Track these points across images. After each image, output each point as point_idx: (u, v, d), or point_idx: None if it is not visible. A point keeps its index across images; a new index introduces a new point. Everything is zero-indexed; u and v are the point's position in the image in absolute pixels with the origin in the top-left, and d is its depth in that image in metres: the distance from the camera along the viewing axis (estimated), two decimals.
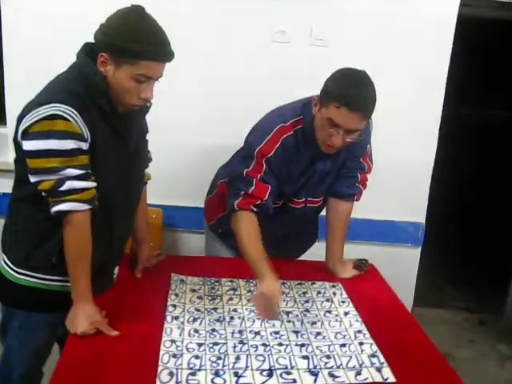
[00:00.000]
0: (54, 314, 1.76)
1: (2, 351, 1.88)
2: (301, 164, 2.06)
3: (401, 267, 3.14)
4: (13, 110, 2.68)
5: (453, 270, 4.63)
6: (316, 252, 2.40)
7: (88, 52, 1.65)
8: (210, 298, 1.95)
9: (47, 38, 2.72)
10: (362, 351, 1.68)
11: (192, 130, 2.92)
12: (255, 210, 1.98)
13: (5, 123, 2.87)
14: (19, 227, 1.75)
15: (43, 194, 1.60)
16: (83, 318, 1.64)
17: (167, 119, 2.78)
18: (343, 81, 1.85)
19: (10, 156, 2.15)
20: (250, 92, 2.81)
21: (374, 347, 1.70)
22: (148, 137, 1.96)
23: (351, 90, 1.80)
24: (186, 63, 2.72)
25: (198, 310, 1.85)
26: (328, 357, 1.64)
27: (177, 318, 1.78)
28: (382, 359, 1.64)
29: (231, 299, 1.95)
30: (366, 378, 1.55)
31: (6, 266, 1.76)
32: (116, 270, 1.97)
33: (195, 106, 2.88)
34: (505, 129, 5.54)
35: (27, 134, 1.56)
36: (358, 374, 1.57)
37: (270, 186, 2.00)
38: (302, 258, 2.50)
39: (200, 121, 2.90)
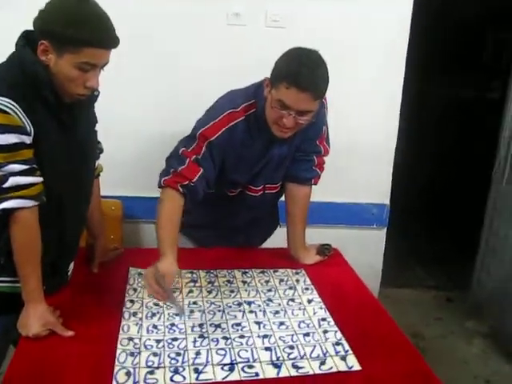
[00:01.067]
0: (6, 316, 1.68)
1: None
2: (255, 150, 1.99)
3: (367, 249, 3.14)
4: None
5: (420, 248, 4.64)
6: (280, 238, 2.35)
7: (28, 40, 1.56)
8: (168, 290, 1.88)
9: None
10: (327, 340, 1.64)
11: (146, 117, 2.84)
12: (181, 190, 1.88)
13: None
14: None
15: None
16: (35, 319, 1.57)
17: (119, 107, 2.70)
18: (293, 60, 1.78)
19: None
20: (204, 77, 2.74)
21: (339, 335, 1.67)
22: (100, 126, 1.88)
23: (301, 69, 1.73)
24: (135, 49, 2.65)
25: (156, 304, 1.79)
26: (291, 347, 1.59)
27: (135, 314, 1.72)
28: (347, 347, 1.61)
29: (191, 291, 1.89)
30: (331, 368, 1.51)
31: None
32: (71, 266, 1.90)
33: (148, 92, 2.80)
34: (472, 107, 5.55)
35: None
36: (323, 363, 1.53)
37: (201, 169, 1.90)
38: (265, 245, 2.45)
39: (154, 107, 2.82)
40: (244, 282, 1.98)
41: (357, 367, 1.52)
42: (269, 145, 1.99)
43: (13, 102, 1.47)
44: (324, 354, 1.57)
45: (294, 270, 2.09)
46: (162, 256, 1.80)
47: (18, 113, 1.48)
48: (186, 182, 1.89)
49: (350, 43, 2.83)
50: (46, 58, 1.52)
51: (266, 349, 1.58)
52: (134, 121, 2.83)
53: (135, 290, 1.87)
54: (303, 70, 1.73)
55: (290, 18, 2.76)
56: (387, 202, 3.17)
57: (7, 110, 1.46)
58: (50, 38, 1.49)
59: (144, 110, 2.82)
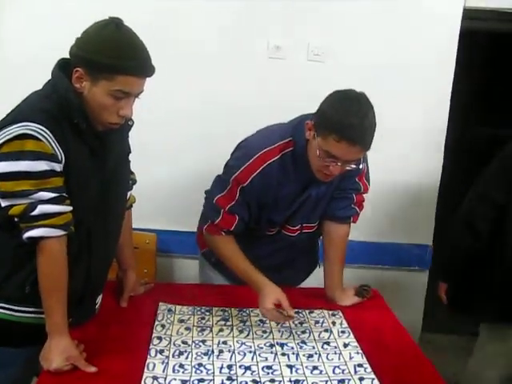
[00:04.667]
0: (30, 348, 1.62)
1: None
2: (291, 189, 1.93)
3: (407, 292, 3.02)
4: None
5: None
6: (319, 278, 2.25)
7: (64, 68, 1.55)
8: (198, 329, 1.81)
9: (32, 52, 2.63)
10: None
11: (185, 150, 2.82)
12: (223, 233, 1.96)
13: None
14: None
15: (15, 219, 1.48)
16: (57, 352, 1.51)
17: (159, 139, 2.70)
18: (342, 110, 1.70)
19: None
20: (245, 110, 2.71)
21: (376, 383, 1.56)
22: (137, 158, 1.86)
23: (351, 122, 1.67)
24: (178, 80, 2.65)
25: (185, 342, 1.72)
26: None
27: (161, 351, 1.65)
28: None
29: (221, 330, 1.81)
30: None
31: None
32: (99, 299, 1.84)
33: (189, 124, 2.79)
34: None
35: None
36: None
37: (237, 217, 1.92)
38: (303, 285, 2.35)
39: (193, 141, 2.80)
40: (277, 323, 1.88)
41: None
42: (307, 184, 1.93)
43: (45, 129, 1.45)
44: None
45: (330, 312, 1.99)
46: (261, 287, 1.84)
47: (50, 140, 1.45)
48: (226, 230, 1.94)
49: (391, 80, 2.77)
50: (80, 86, 1.50)
51: None
52: (171, 155, 2.81)
53: (163, 326, 1.80)
54: (354, 123, 1.67)
55: (331, 52, 2.72)
56: (430, 242, 3.04)
57: (39, 136, 1.43)
58: (85, 65, 1.47)
59: (180, 145, 2.80)
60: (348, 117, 1.68)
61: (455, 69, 2.80)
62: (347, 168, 1.79)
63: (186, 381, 1.51)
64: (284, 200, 1.94)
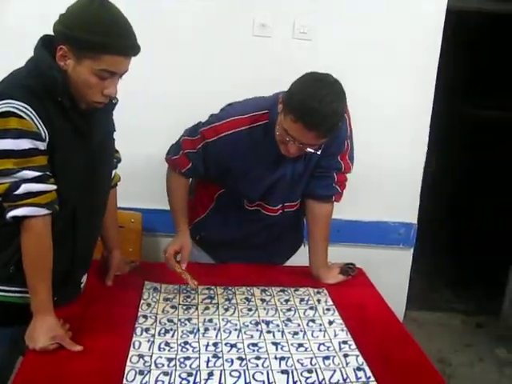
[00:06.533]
0: (15, 327, 1.62)
1: None
2: (264, 164, 1.93)
3: (392, 270, 3.02)
4: None
5: (448, 271, 4.49)
6: (304, 257, 2.26)
7: (47, 45, 1.52)
8: (184, 307, 1.81)
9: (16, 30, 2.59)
10: (347, 364, 1.55)
11: (168, 129, 2.77)
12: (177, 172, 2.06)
13: None
14: None
15: None
16: (43, 331, 1.51)
17: (142, 118, 2.67)
18: (308, 92, 1.67)
19: None
20: (230, 89, 2.67)
21: (361, 359, 1.57)
22: (121, 136, 1.84)
23: (313, 106, 1.64)
24: (159, 60, 2.61)
25: (170, 320, 1.72)
26: (309, 371, 1.50)
27: (147, 330, 1.65)
28: (369, 373, 1.51)
29: (207, 308, 1.81)
30: None
31: None
32: (84, 278, 1.84)
33: (172, 104, 2.74)
34: (498, 129, 5.40)
35: None
36: None
37: (190, 164, 1.99)
38: (289, 263, 2.36)
39: (177, 120, 2.76)
40: (263, 301, 1.89)
41: None
42: (281, 160, 1.91)
43: (28, 107, 1.43)
44: (344, 380, 1.47)
45: (315, 290, 2.00)
46: (176, 230, 2.04)
47: (34, 118, 1.43)
48: (178, 170, 2.04)
49: (378, 58, 2.75)
50: (64, 64, 1.48)
51: (283, 372, 1.49)
52: (157, 133, 2.78)
53: (149, 304, 1.80)
54: (315, 107, 1.65)
55: (317, 30, 2.70)
56: (415, 221, 3.06)
57: (22, 114, 1.42)
58: (70, 43, 1.45)
59: (166, 122, 2.77)
60: (311, 100, 1.65)
61: (441, 46, 2.80)
62: (307, 150, 1.78)
63: (172, 359, 1.51)
64: (257, 174, 1.94)
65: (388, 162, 2.91)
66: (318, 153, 1.84)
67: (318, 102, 1.65)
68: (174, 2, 2.67)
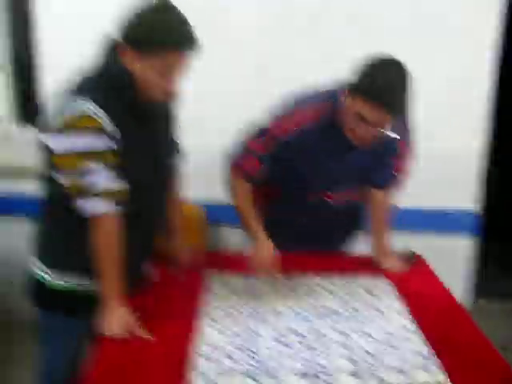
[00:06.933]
0: (85, 316, 1.67)
1: (43, 358, 1.85)
2: (331, 155, 1.94)
3: (455, 259, 3.00)
4: None
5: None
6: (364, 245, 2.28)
7: (112, 46, 1.59)
8: (249, 296, 1.86)
9: (83, 37, 2.68)
10: (411, 350, 1.57)
11: (230, 126, 2.84)
12: (244, 179, 2.01)
13: None
14: (52, 230, 1.72)
15: (73, 194, 1.55)
16: (115, 319, 1.59)
17: (205, 115, 2.73)
18: (375, 72, 1.71)
19: None
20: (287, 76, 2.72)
21: (424, 346, 1.59)
22: (185, 133, 1.90)
23: (381, 84, 1.68)
24: (223, 59, 2.68)
25: (236, 309, 1.77)
26: (374, 358, 1.53)
27: (214, 320, 1.71)
28: (433, 358, 1.53)
29: (272, 298, 1.86)
30: (415, 380, 1.44)
31: (39, 271, 1.72)
32: (151, 269, 1.91)
33: (235, 97, 2.82)
34: None
35: (55, 134, 1.52)
36: (406, 375, 1.46)
37: (262, 166, 1.97)
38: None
39: (239, 117, 2.81)
40: (326, 289, 1.93)
41: (442, 379, 1.44)
42: (347, 151, 1.93)
43: (102, 109, 1.50)
44: (408, 366, 1.49)
45: (377, 278, 2.02)
46: (255, 238, 1.95)
47: (106, 118, 1.51)
48: (248, 174, 1.99)
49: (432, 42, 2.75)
50: (130, 65, 1.54)
51: (348, 359, 1.52)
52: (224, 129, 2.84)
53: (215, 294, 1.86)
54: (384, 85, 1.68)
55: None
56: (477, 207, 3.02)
57: (97, 116, 1.49)
58: (134, 45, 1.51)
59: (227, 119, 2.83)
60: (381, 80, 1.69)
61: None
62: (376, 133, 1.79)
63: (240, 347, 1.56)
64: (325, 166, 1.96)
65: (448, 148, 2.89)
66: (389, 133, 1.86)
67: (388, 81, 1.69)
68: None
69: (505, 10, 2.75)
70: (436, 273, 2.12)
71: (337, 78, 1.96)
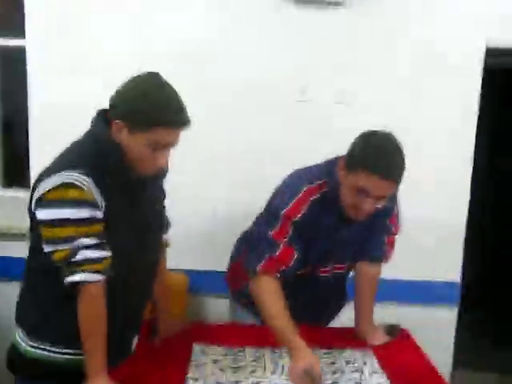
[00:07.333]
0: None
1: None
2: (324, 230, 1.95)
3: (437, 329, 2.99)
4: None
5: (496, 330, 4.37)
6: (346, 317, 2.27)
7: (103, 118, 1.63)
8: (232, 369, 1.83)
9: (73, 101, 2.74)
10: None
11: (213, 193, 2.88)
12: (278, 275, 1.87)
13: (29, 186, 2.88)
14: (34, 298, 1.70)
15: (57, 264, 1.54)
16: None
17: (187, 182, 2.75)
18: (373, 145, 1.77)
19: None
20: (275, 154, 2.78)
21: None
22: (168, 201, 1.91)
23: (383, 156, 1.73)
24: (203, 133, 2.71)
25: (219, 383, 1.74)
26: None
27: None
28: None
29: (254, 371, 1.83)
30: None
31: (19, 339, 1.70)
32: (135, 340, 1.89)
33: (219, 168, 2.86)
34: None
35: (40, 203, 1.53)
36: None
37: (295, 252, 1.89)
38: (334, 324, 2.36)
39: (218, 185, 2.86)
40: None
41: None
42: (339, 224, 1.96)
43: (86, 178, 1.52)
44: None
45: (361, 351, 2.01)
46: (294, 350, 1.72)
47: (91, 188, 1.52)
48: (284, 268, 1.87)
49: (416, 115, 2.85)
50: (118, 136, 1.57)
51: None
52: (204, 194, 2.88)
53: (197, 366, 1.83)
54: (385, 157, 1.73)
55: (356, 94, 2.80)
56: (458, 279, 3.04)
57: (81, 185, 1.50)
58: (126, 117, 1.54)
59: (210, 187, 2.87)
60: (379, 152, 1.74)
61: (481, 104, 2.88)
62: (379, 206, 1.83)
63: None
64: (318, 239, 1.97)
65: (428, 220, 2.93)
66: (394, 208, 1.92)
67: (387, 152, 1.75)
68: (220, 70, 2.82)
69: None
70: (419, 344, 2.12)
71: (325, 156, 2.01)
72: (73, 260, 1.52)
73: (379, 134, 1.80)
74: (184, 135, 1.63)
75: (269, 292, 1.86)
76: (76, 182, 1.50)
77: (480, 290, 4.43)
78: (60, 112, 2.80)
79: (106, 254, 1.56)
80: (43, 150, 2.52)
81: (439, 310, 3.07)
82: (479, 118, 2.90)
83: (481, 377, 3.69)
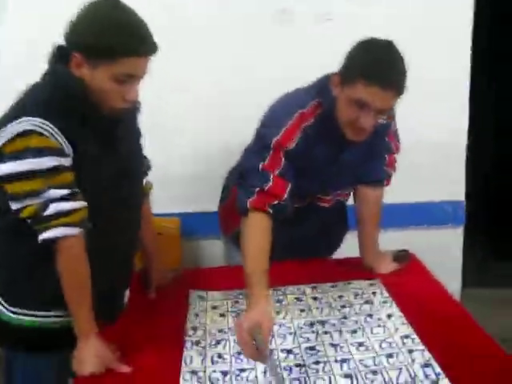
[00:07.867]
0: (63, 351, 1.54)
1: None
2: (324, 155, 1.78)
3: (443, 251, 2.91)
4: None
5: (502, 245, 4.28)
6: (350, 246, 2.15)
7: (61, 55, 1.45)
8: (233, 314, 1.73)
9: (33, 40, 2.51)
10: (413, 361, 1.44)
11: (202, 128, 2.72)
12: (271, 211, 1.69)
13: None
14: (6, 263, 1.56)
15: (28, 221, 1.39)
16: (89, 355, 1.44)
17: (174, 118, 2.62)
18: (371, 54, 1.58)
19: None
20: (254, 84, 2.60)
21: (427, 354, 1.46)
22: (152, 140, 1.78)
23: (382, 64, 1.54)
24: (181, 54, 2.54)
25: (220, 330, 1.64)
26: (374, 372, 1.40)
27: (197, 342, 1.57)
28: (438, 369, 1.40)
29: None
30: None
31: (1, 307, 1.57)
32: (126, 293, 1.77)
33: (198, 104, 2.69)
34: None
35: (0, 157, 1.37)
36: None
37: (289, 183, 1.72)
38: (335, 255, 2.25)
39: (204, 117, 2.71)
40: (315, 299, 1.80)
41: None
42: (339, 150, 1.78)
43: (48, 123, 1.36)
44: (413, 379, 1.37)
45: (368, 282, 1.90)
46: (252, 300, 1.52)
47: (55, 134, 1.36)
48: (276, 201, 1.69)
49: (408, 34, 2.63)
50: (80, 72, 1.40)
51: (346, 376, 1.39)
52: (191, 133, 2.72)
53: (197, 315, 1.72)
54: (384, 65, 1.54)
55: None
56: (462, 198, 2.94)
57: (43, 131, 1.35)
58: (83, 50, 1.37)
59: (200, 120, 2.71)
60: (378, 60, 1.55)
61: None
62: (379, 120, 1.64)
63: (227, 371, 1.43)
64: (317, 167, 1.80)
65: (428, 139, 2.81)
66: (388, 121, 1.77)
67: (387, 60, 1.56)
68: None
69: None
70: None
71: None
72: (44, 215, 1.37)
73: (379, 42, 1.60)
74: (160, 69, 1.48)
75: (255, 228, 1.67)
76: (37, 129, 1.34)
77: (484, 205, 4.31)
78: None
79: (80, 204, 1.41)
80: None
81: (445, 231, 2.99)
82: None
83: (489, 292, 3.62)
